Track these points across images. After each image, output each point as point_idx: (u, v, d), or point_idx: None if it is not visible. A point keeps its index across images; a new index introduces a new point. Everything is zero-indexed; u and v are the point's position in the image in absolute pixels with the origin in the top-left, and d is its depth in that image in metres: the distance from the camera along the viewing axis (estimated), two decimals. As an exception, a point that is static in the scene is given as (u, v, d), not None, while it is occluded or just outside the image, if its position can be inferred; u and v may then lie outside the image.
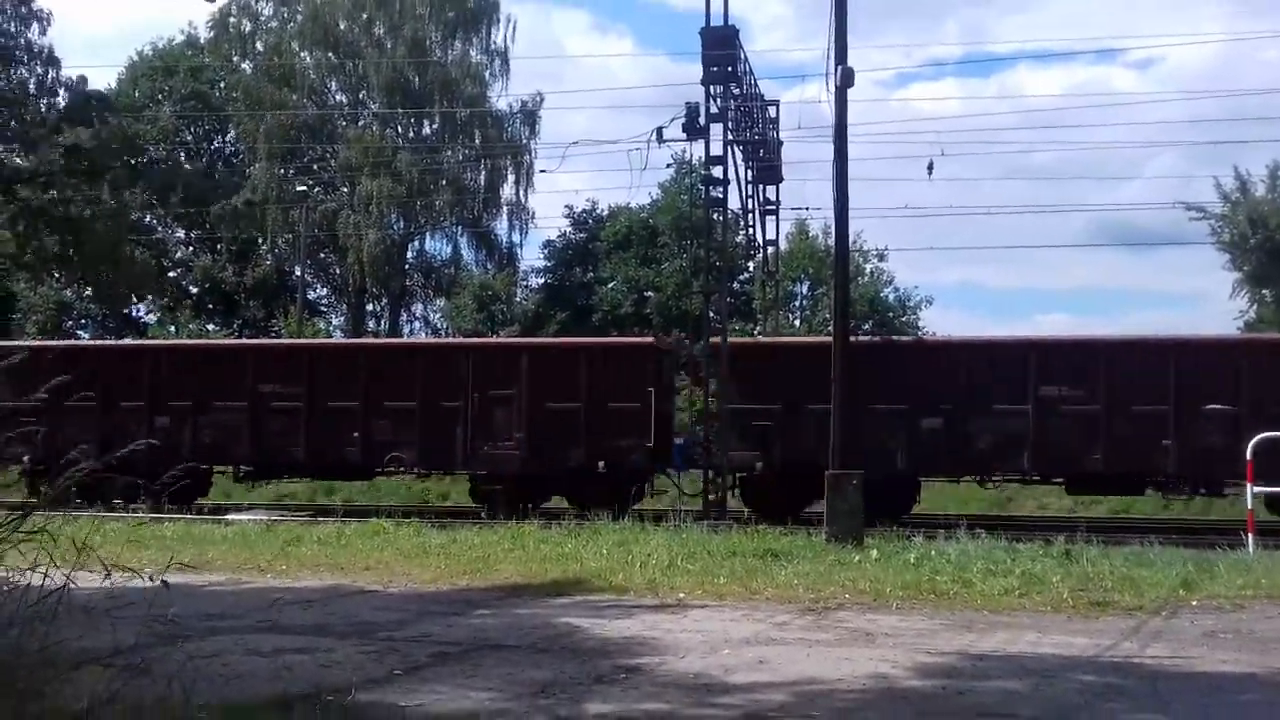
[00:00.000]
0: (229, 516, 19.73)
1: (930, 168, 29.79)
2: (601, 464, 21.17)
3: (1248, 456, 15.34)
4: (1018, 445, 20.27)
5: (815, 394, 19.88)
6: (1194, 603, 9.99)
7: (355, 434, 22.31)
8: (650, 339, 24.58)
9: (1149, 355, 20.51)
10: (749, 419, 21.12)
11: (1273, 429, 18.23)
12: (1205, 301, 76.44)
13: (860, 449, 20.09)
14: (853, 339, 22.37)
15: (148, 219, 45.70)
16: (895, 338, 27.25)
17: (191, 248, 48.88)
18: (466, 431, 21.90)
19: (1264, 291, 44.45)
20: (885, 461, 20.02)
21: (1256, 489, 15.27)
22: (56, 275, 40.46)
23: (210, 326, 44.65)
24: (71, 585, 5.27)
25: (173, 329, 41.55)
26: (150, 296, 41.45)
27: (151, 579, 5.42)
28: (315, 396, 22.45)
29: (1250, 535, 13.81)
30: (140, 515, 18.62)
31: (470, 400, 21.91)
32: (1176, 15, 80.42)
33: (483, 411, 21.88)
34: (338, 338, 43.39)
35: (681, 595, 10.41)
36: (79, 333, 44.32)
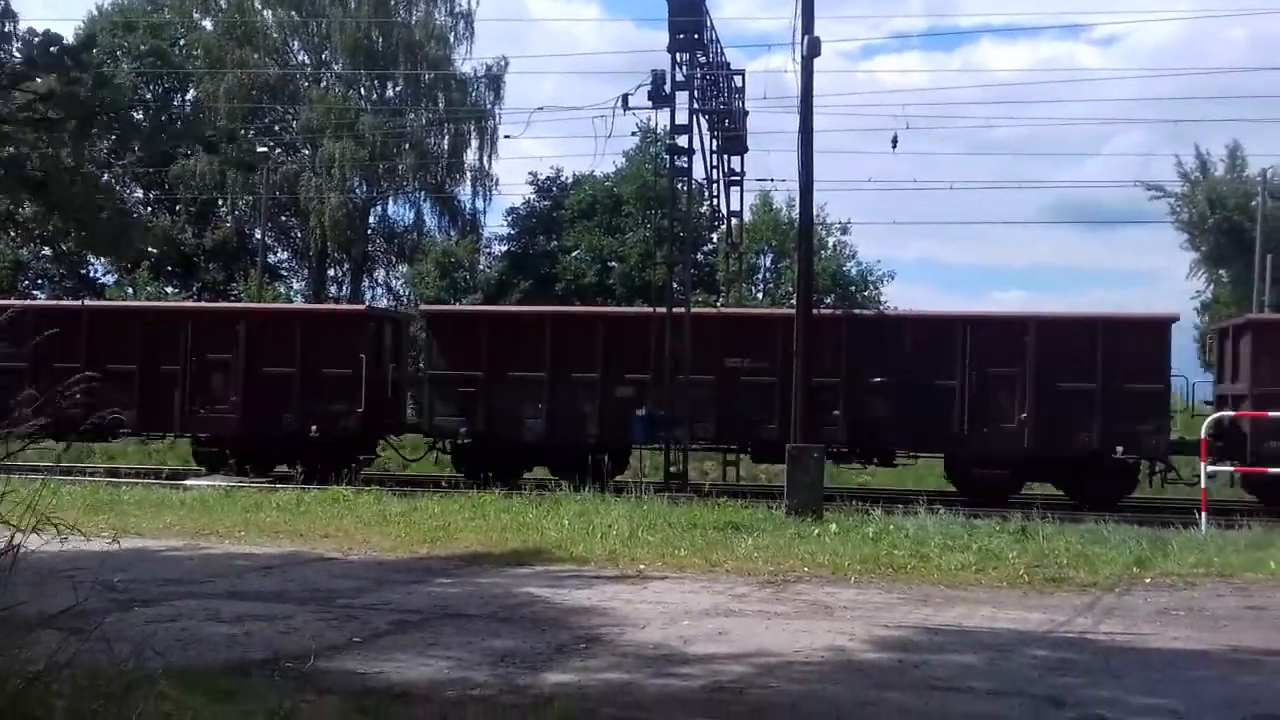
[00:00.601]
0: (187, 482, 19.61)
1: (895, 142, 29.87)
2: (314, 429, 21.40)
3: (1202, 435, 15.55)
4: (705, 414, 20.76)
5: (517, 362, 20.94)
6: (1147, 580, 10.14)
7: (78, 395, 22.15)
8: (364, 307, 24.84)
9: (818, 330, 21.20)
10: (455, 385, 21.39)
11: (929, 403, 19.67)
12: (1162, 280, 77.26)
13: (570, 418, 20.90)
14: (555, 310, 22.86)
15: (105, 177, 44.96)
16: (590, 309, 27.65)
17: (150, 208, 48.21)
18: (184, 395, 22.00)
19: (1221, 271, 45.05)
20: (578, 430, 20.87)
21: (1210, 469, 15.50)
22: (13, 234, 39.80)
23: (169, 289, 44.14)
24: (26, 548, 5.21)
25: (130, 290, 41.02)
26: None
27: (112, 542, 5.37)
28: (39, 359, 22.23)
29: (1203, 514, 14.01)
30: (98, 480, 18.47)
31: (188, 364, 22.05)
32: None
33: (200, 376, 22.05)
34: (299, 303, 43.00)
35: (642, 566, 10.45)
36: (35, 293, 43.70)
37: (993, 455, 19.73)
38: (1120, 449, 19.07)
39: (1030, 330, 19.75)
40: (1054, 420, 19.33)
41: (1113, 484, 19.53)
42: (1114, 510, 17.28)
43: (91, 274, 46.75)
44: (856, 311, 22.52)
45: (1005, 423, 19.61)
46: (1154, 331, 19.65)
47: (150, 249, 39.10)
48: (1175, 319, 20.35)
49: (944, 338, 20.04)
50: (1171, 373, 19.68)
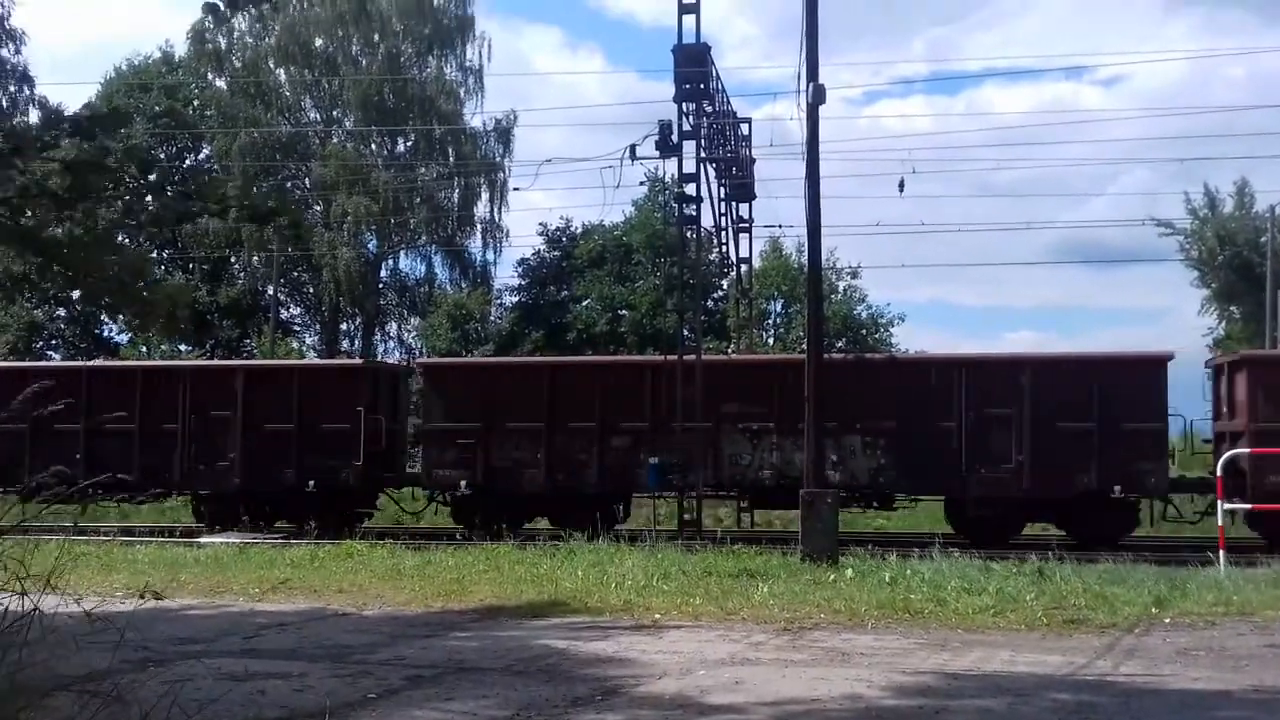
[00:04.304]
0: (201, 540, 19.62)
1: (901, 186, 29.83)
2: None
3: (1217, 473, 15.47)
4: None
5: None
6: (1167, 620, 10.06)
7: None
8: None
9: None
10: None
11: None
12: (1173, 318, 77.09)
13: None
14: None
15: (121, 237, 45.33)
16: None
17: (163, 266, 48.54)
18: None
19: (1232, 308, 44.93)
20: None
21: (1228, 506, 15.41)
22: (28, 296, 40.11)
23: (183, 347, 44.34)
24: (43, 610, 5.22)
25: (144, 349, 41.22)
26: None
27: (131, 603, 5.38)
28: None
29: (1221, 552, 13.90)
30: (112, 538, 18.49)
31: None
32: (1144, 33, 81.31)
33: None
34: (311, 358, 43.14)
35: (657, 616, 10.40)
36: (50, 354, 43.95)
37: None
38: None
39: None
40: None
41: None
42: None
43: (105, 333, 47.07)
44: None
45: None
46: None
47: (175, 310, 39.31)
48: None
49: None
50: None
